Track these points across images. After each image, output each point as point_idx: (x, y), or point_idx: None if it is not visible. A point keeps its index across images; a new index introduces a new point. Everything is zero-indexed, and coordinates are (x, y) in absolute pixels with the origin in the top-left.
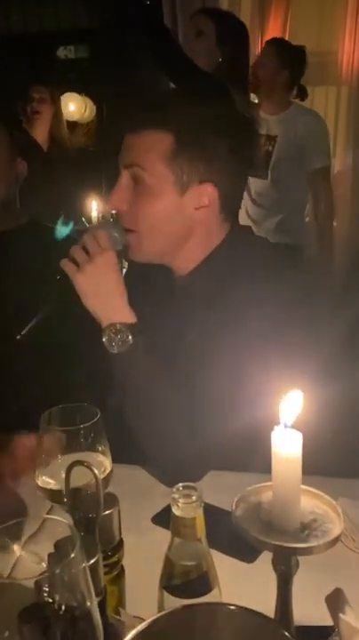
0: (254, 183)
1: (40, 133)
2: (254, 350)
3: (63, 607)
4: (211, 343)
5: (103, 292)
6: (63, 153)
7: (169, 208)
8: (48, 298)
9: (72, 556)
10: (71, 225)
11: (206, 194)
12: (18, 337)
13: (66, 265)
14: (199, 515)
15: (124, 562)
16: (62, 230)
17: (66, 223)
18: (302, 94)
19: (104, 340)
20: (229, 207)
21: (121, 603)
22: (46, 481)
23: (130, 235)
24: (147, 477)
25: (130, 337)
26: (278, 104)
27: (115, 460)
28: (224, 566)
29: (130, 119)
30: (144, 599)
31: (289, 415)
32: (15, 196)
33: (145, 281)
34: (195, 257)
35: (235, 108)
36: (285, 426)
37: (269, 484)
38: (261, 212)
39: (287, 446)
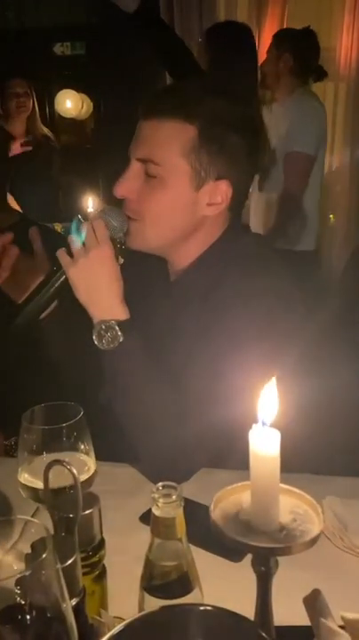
0: None
1: (19, 127)
2: (243, 346)
3: (36, 609)
4: (203, 338)
5: (96, 287)
6: (58, 150)
7: (181, 202)
8: (41, 288)
9: (43, 556)
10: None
11: (221, 191)
12: (11, 325)
13: (61, 256)
14: (179, 514)
15: (109, 561)
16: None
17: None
18: (319, 75)
19: (94, 336)
20: (237, 205)
21: (103, 603)
22: (28, 479)
23: (132, 222)
24: (134, 476)
25: (120, 334)
26: (286, 91)
27: (101, 459)
28: (211, 566)
29: (148, 105)
30: (127, 599)
31: (267, 413)
32: (5, 195)
33: (140, 274)
34: (193, 252)
35: (256, 106)
36: (263, 424)
37: (249, 482)
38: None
39: (265, 445)
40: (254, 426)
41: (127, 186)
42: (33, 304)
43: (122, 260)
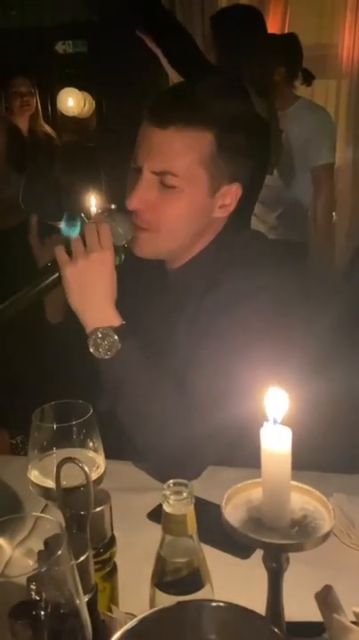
0: None
1: (22, 126)
2: (241, 343)
3: (51, 605)
4: (201, 336)
5: (91, 292)
6: (62, 148)
7: (198, 209)
8: (34, 281)
9: (59, 553)
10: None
11: (232, 193)
12: None
13: (59, 252)
14: (190, 511)
15: (118, 558)
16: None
17: (70, 219)
18: (307, 79)
19: (90, 345)
20: (243, 207)
21: (113, 599)
22: (39, 477)
23: (142, 232)
24: (142, 473)
25: (117, 340)
26: (282, 98)
27: (110, 457)
28: (219, 562)
29: (159, 111)
30: (137, 596)
31: (277, 411)
32: (17, 194)
33: (138, 273)
34: (192, 251)
35: (271, 100)
36: (274, 422)
37: (260, 480)
38: (264, 208)
39: (276, 442)
40: (265, 423)
41: (141, 198)
42: (19, 296)
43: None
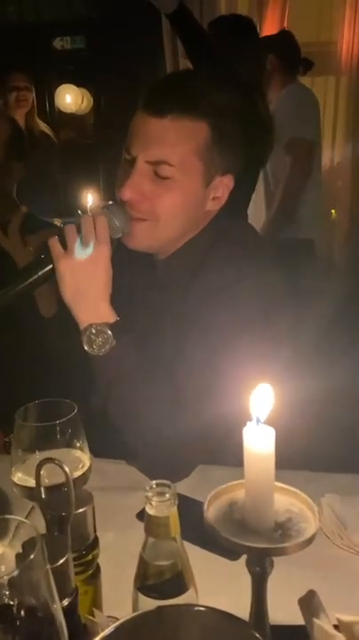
0: None
1: (18, 122)
2: (228, 335)
3: (25, 609)
4: (188, 329)
5: (85, 287)
6: (57, 145)
7: (193, 200)
8: (21, 274)
9: (31, 557)
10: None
11: (223, 185)
12: None
13: (52, 245)
14: (173, 513)
15: (103, 560)
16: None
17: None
18: (307, 66)
19: (84, 342)
20: (238, 199)
21: (96, 602)
22: (22, 478)
23: (140, 223)
24: (132, 472)
25: (112, 337)
26: (277, 88)
27: (98, 455)
28: (208, 564)
29: (154, 101)
30: (122, 598)
31: (261, 410)
32: (12, 190)
33: (127, 266)
34: (180, 242)
35: (261, 97)
36: (258, 421)
37: (244, 481)
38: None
39: (259, 443)
40: (248, 423)
41: (135, 188)
42: (8, 289)
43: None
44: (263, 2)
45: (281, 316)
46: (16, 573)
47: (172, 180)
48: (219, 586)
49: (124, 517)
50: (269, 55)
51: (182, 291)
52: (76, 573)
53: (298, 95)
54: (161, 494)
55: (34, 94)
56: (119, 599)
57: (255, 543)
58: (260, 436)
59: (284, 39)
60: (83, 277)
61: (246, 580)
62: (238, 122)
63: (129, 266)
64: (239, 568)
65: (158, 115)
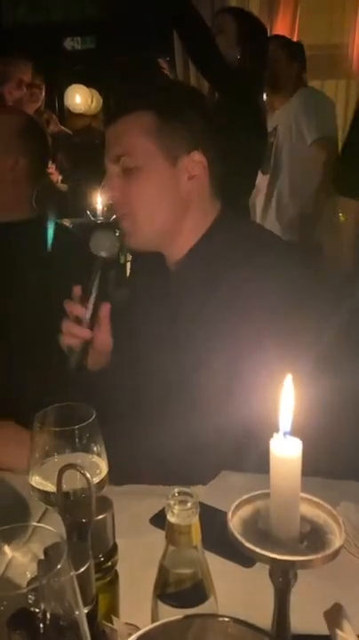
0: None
1: None
2: (244, 339)
3: (50, 616)
4: (203, 332)
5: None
6: (69, 145)
7: (163, 182)
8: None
9: (59, 566)
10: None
11: (196, 161)
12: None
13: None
14: (195, 522)
15: (119, 565)
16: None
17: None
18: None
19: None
20: (218, 178)
21: (114, 609)
22: (40, 482)
23: (123, 222)
24: None
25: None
26: (283, 97)
27: None
28: (224, 571)
29: (108, 117)
30: (138, 604)
31: (288, 422)
32: (31, 191)
33: (146, 271)
34: (185, 243)
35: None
36: (285, 434)
37: (269, 491)
38: (270, 205)
39: (286, 455)
40: (275, 435)
41: (111, 188)
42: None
43: (129, 259)
44: (273, 7)
45: (305, 318)
46: (44, 581)
47: (137, 169)
48: (236, 593)
49: (137, 523)
50: (294, 63)
51: (196, 295)
52: (96, 580)
53: (314, 96)
54: (183, 502)
55: (44, 93)
56: (134, 605)
57: (281, 555)
58: (288, 449)
59: (303, 50)
60: None
61: (260, 587)
62: (186, 105)
63: (145, 277)
64: (253, 575)
65: (111, 123)
